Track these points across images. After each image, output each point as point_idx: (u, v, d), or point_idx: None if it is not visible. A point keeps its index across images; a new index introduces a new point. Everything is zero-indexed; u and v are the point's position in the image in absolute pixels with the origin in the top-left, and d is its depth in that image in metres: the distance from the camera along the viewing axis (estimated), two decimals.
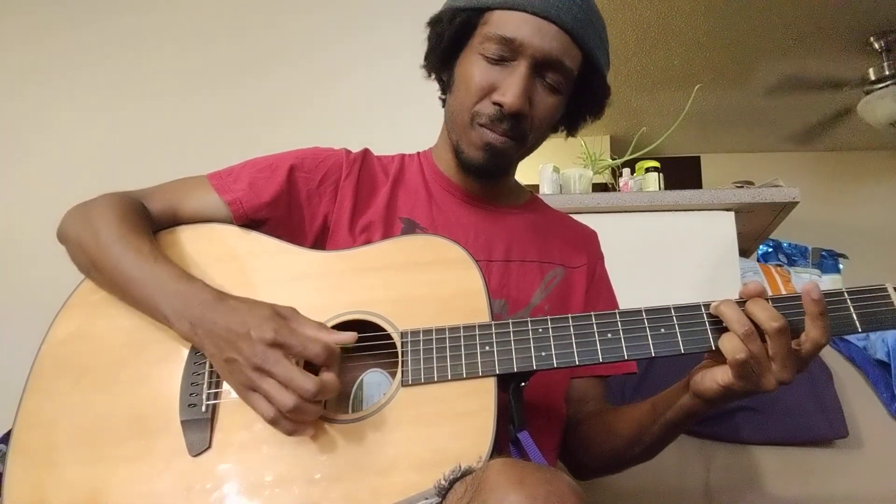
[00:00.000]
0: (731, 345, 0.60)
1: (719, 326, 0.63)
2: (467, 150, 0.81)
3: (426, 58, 0.86)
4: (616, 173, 2.21)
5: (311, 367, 0.63)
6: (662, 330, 0.64)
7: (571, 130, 0.90)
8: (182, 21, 2.03)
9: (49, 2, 2.03)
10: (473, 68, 0.78)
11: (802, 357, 0.61)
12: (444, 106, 0.89)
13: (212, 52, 2.00)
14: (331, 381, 0.60)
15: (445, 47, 0.81)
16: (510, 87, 0.75)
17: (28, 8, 2.03)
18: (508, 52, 0.76)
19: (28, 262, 1.73)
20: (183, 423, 0.65)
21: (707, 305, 0.64)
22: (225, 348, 0.62)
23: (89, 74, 1.98)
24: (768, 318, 0.59)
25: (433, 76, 0.88)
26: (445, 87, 0.87)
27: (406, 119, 1.78)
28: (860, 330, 0.62)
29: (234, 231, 0.79)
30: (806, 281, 1.91)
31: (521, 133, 0.79)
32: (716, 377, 0.63)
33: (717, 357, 0.64)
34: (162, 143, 1.92)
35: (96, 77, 1.97)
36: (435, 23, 0.82)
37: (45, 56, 1.99)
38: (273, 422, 0.61)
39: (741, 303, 0.62)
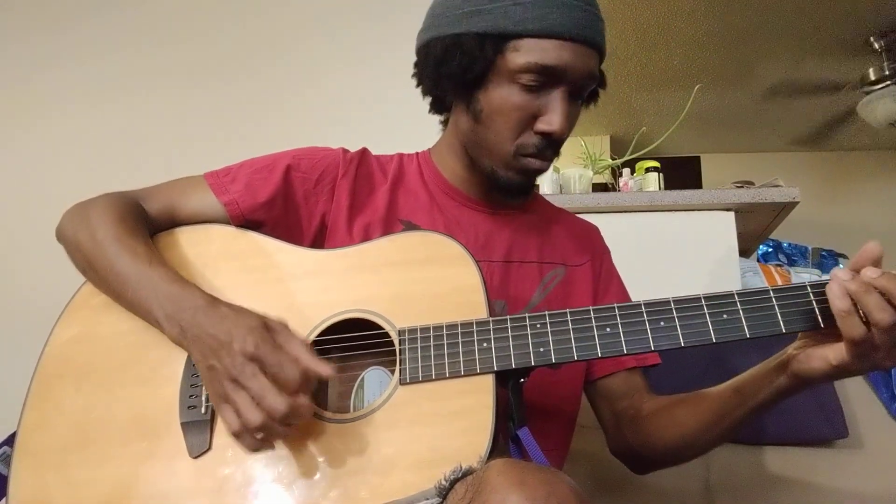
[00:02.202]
0: (848, 325, 0.57)
1: (720, 319, 0.62)
2: (507, 176, 0.80)
3: (434, 82, 0.81)
4: (616, 173, 2.21)
5: None
6: (662, 323, 0.64)
7: None
8: (181, 20, 2.03)
9: (46, 1, 2.03)
10: (513, 99, 0.75)
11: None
12: (444, 124, 0.88)
13: (209, 51, 2.00)
14: (303, 405, 0.58)
15: (469, 76, 0.76)
16: (555, 114, 0.74)
17: (25, 6, 2.02)
18: (547, 78, 0.74)
19: (30, 264, 1.73)
20: (183, 424, 0.66)
21: (707, 297, 0.63)
22: (208, 355, 0.61)
23: (86, 73, 1.97)
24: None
25: (436, 97, 0.85)
26: (444, 109, 0.86)
27: (403, 117, 1.78)
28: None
29: (231, 231, 0.79)
30: (806, 281, 1.90)
31: (558, 151, 0.81)
32: (827, 357, 0.61)
33: (815, 336, 0.63)
34: (159, 142, 1.91)
35: (92, 76, 1.97)
36: (451, 48, 0.76)
37: (42, 56, 1.99)
38: (236, 435, 0.59)
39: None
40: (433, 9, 0.82)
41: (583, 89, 0.77)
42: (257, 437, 0.59)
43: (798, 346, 0.66)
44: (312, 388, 0.60)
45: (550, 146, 0.78)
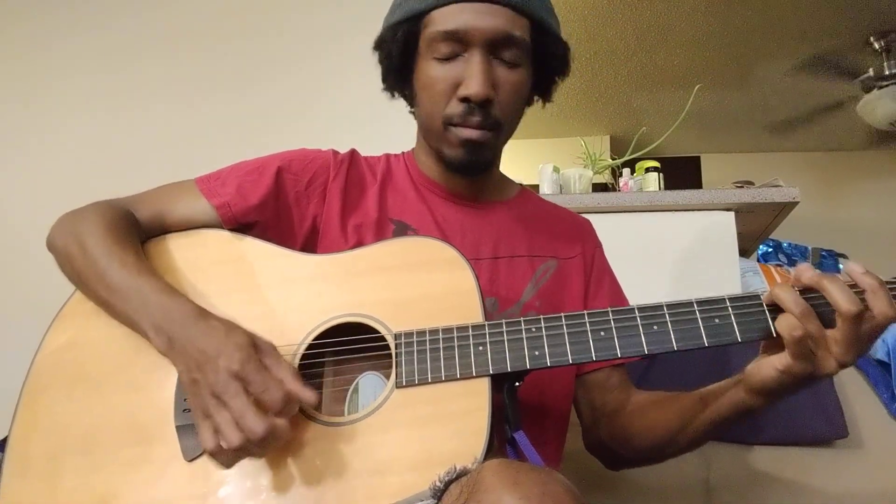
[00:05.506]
0: (787, 322, 0.59)
1: (712, 324, 0.63)
2: (448, 152, 0.81)
3: (384, 80, 0.87)
4: (616, 173, 2.21)
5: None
6: (655, 327, 0.64)
7: (546, 97, 0.89)
8: (182, 27, 2.03)
9: (51, 8, 2.04)
10: (430, 73, 0.78)
11: (868, 336, 0.60)
12: (416, 117, 0.89)
13: (210, 58, 2.01)
14: (282, 429, 0.58)
15: (398, 64, 0.82)
16: (471, 77, 0.75)
17: (30, 13, 2.03)
18: (458, 45, 0.76)
19: (25, 269, 1.72)
20: (178, 428, 0.65)
21: (699, 302, 0.64)
22: (192, 368, 0.60)
23: (90, 79, 1.98)
24: (845, 300, 0.58)
25: (397, 95, 0.89)
26: (411, 101, 0.88)
27: (394, 120, 1.78)
28: None
29: (226, 236, 0.79)
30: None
31: (494, 121, 0.79)
32: (773, 363, 0.62)
33: (773, 348, 0.63)
34: (161, 148, 1.92)
35: (97, 82, 1.98)
36: (380, 44, 0.83)
37: (46, 61, 2.00)
38: (212, 454, 0.59)
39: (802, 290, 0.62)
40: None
41: (501, 49, 0.76)
42: (232, 457, 0.58)
43: (755, 359, 0.66)
44: (294, 412, 0.60)
45: (475, 113, 0.76)
